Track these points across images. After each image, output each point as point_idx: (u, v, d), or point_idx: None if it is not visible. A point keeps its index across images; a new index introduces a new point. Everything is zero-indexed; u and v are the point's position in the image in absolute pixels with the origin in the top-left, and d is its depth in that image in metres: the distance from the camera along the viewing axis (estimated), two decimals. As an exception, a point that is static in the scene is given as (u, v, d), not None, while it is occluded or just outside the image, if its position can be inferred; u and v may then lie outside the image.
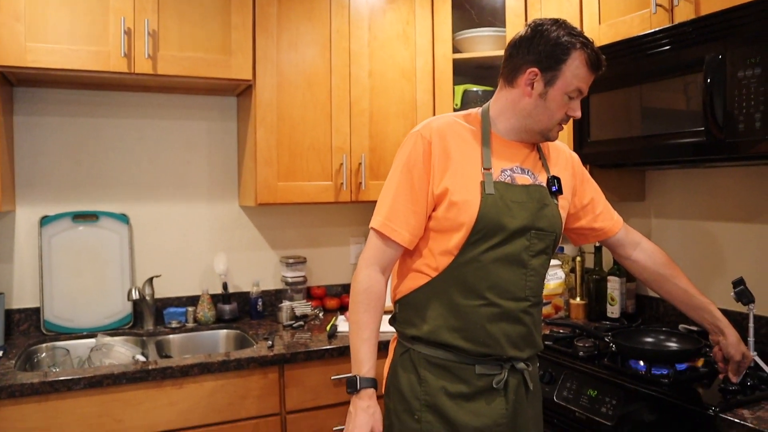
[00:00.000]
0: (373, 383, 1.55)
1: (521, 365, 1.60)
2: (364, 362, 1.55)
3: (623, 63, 2.11)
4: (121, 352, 2.39)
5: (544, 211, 1.60)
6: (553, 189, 1.64)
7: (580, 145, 2.31)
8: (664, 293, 1.83)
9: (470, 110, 1.69)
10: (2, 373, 2.02)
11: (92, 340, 2.49)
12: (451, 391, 1.56)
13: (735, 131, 1.76)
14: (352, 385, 1.54)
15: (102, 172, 2.71)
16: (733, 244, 2.30)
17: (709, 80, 1.80)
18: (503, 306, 1.56)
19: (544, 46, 1.53)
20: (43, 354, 2.44)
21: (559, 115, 1.58)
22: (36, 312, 2.57)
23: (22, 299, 2.58)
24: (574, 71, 1.53)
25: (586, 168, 2.42)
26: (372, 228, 1.60)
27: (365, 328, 1.56)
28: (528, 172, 1.63)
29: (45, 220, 2.57)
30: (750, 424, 1.52)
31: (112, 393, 2.05)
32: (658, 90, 2.02)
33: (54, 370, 2.21)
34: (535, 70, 1.54)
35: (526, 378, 1.62)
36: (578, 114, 1.59)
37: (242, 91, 2.79)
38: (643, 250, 1.84)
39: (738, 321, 2.24)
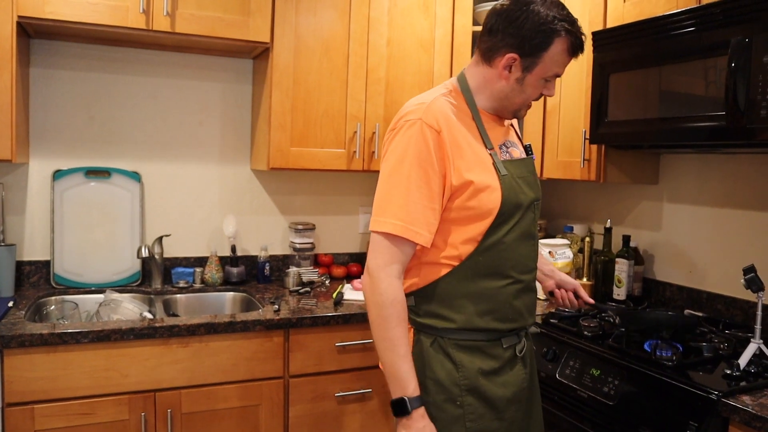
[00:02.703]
0: (423, 401, 1.47)
1: (532, 328, 1.69)
2: (409, 380, 1.45)
3: (644, 43, 2.08)
4: (129, 309, 2.41)
5: (537, 181, 1.66)
6: (533, 157, 1.70)
7: (597, 124, 2.29)
8: None
9: (447, 84, 1.63)
10: (13, 323, 2.04)
11: (101, 296, 2.51)
12: (485, 370, 1.54)
13: (756, 117, 1.73)
14: (402, 409, 1.44)
15: (115, 128, 2.70)
16: (746, 232, 2.29)
17: (733, 64, 1.77)
18: (524, 280, 1.60)
19: (528, 31, 1.47)
20: (53, 306, 2.47)
21: (534, 96, 1.59)
22: (46, 265, 2.60)
23: (33, 252, 2.60)
24: (555, 58, 1.50)
25: (602, 148, 2.41)
26: (384, 232, 1.48)
27: (400, 344, 1.45)
28: (515, 145, 1.68)
29: (58, 174, 2.58)
30: (752, 410, 1.53)
31: (119, 348, 2.07)
32: (678, 72, 1.99)
33: (63, 323, 2.23)
34: (515, 55, 1.50)
35: (530, 339, 1.71)
36: (553, 94, 1.60)
37: (259, 54, 2.77)
38: None
39: (745, 309, 2.24)
